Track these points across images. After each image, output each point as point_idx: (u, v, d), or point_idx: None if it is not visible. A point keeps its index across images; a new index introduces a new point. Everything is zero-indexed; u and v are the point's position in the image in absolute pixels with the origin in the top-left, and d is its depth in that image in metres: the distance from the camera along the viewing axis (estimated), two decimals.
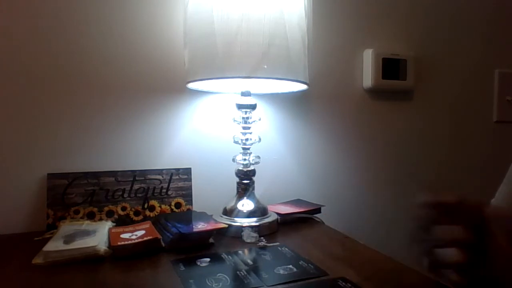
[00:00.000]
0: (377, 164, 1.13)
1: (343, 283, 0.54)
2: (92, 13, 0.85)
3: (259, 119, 0.84)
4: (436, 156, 1.21)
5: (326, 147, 1.07)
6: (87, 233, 0.69)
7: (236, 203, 0.82)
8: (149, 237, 0.67)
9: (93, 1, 0.85)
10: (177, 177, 0.88)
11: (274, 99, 0.99)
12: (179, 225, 0.70)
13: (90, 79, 0.85)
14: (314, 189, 1.04)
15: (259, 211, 0.81)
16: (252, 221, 0.79)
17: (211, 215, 0.80)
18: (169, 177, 0.87)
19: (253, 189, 0.84)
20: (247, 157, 0.82)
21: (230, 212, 0.81)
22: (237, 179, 0.84)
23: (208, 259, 0.63)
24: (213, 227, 0.71)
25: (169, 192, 0.87)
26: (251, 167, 0.83)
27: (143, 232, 0.71)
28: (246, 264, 0.62)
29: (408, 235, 0.47)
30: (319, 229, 0.84)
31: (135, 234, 0.69)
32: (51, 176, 0.80)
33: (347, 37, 1.08)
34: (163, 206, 0.86)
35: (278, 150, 1.01)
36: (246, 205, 0.82)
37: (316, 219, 0.89)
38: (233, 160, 0.83)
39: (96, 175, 0.83)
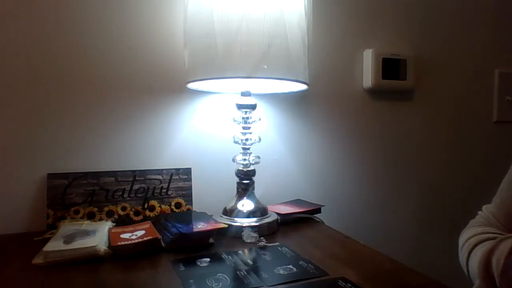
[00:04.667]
0: (377, 164, 1.13)
1: (343, 283, 0.54)
2: (92, 13, 0.85)
3: (259, 119, 0.84)
4: (436, 156, 1.21)
5: (326, 147, 1.07)
6: (87, 233, 0.69)
7: (236, 203, 0.82)
8: (149, 237, 0.67)
9: (93, 1, 0.85)
10: (177, 177, 0.88)
11: (274, 99, 0.99)
12: (179, 225, 0.70)
13: (90, 79, 0.85)
14: (314, 189, 1.04)
15: (259, 211, 0.81)
16: (252, 221, 0.79)
17: (211, 215, 0.80)
18: (169, 177, 0.87)
19: (253, 189, 0.84)
20: (247, 157, 0.82)
21: (230, 212, 0.81)
22: (237, 179, 0.84)
23: (208, 259, 0.63)
24: (213, 227, 0.71)
25: (169, 192, 0.87)
26: (251, 167, 0.83)
27: (143, 232, 0.71)
28: (246, 264, 0.62)
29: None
30: (319, 229, 0.84)
31: (135, 234, 0.69)
32: (51, 176, 0.80)
33: (347, 37, 1.08)
34: (163, 206, 0.86)
35: (278, 150, 1.01)
36: (246, 205, 0.82)
37: (316, 219, 0.89)
38: (233, 160, 0.83)
39: (96, 175, 0.83)
